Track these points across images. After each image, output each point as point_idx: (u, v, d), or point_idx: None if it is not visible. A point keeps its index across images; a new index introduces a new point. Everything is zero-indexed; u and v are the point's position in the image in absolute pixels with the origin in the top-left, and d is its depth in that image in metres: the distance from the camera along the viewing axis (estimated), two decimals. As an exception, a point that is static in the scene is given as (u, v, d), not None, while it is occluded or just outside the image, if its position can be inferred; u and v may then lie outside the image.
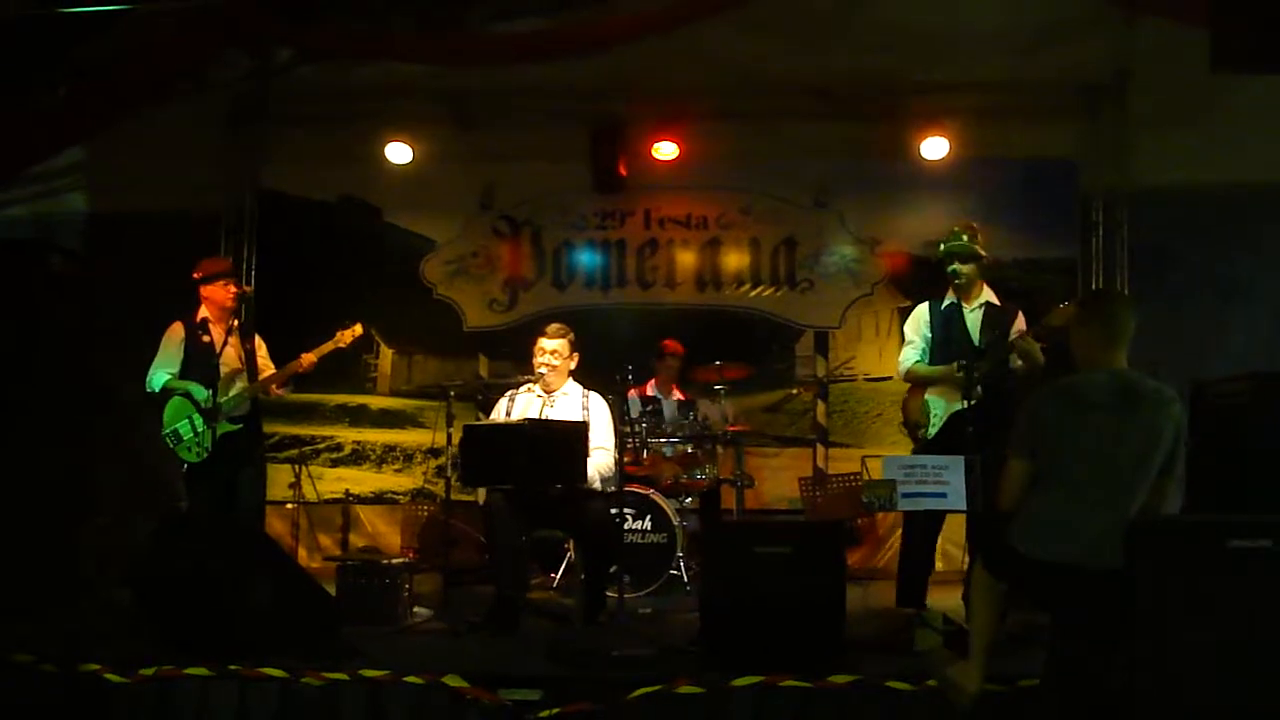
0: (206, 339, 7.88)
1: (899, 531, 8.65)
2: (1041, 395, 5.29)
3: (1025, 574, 5.09)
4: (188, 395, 7.64)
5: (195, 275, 8.04)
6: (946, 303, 7.55)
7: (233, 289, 8.04)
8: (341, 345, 8.03)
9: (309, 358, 7.96)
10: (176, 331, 7.92)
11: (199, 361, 7.81)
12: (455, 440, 7.51)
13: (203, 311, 7.99)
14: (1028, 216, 10.26)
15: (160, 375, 7.78)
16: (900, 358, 7.71)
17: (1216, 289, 9.67)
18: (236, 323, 8.03)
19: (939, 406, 7.34)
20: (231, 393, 7.78)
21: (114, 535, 8.35)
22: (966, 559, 7.25)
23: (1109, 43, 9.25)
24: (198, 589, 6.13)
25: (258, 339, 8.19)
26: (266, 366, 8.13)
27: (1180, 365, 7.65)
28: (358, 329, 8.04)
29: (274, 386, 8.02)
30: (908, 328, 7.75)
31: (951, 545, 7.78)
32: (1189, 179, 9.50)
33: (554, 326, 7.94)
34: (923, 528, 7.21)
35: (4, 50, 8.24)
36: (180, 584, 6.20)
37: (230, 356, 7.88)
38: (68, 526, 8.33)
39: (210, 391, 7.64)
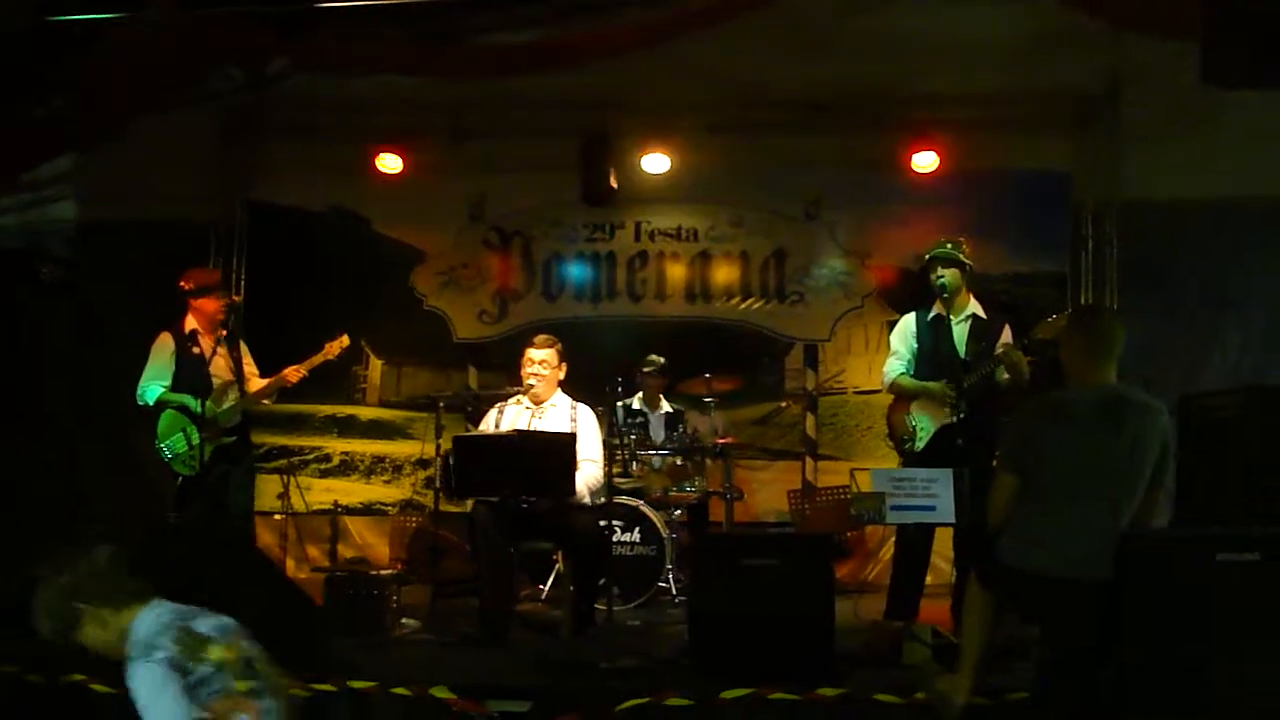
0: (196, 350, 7.80)
1: (889, 545, 8.67)
2: (1029, 410, 5.32)
3: (1015, 587, 5.10)
4: (183, 409, 7.60)
5: (185, 286, 7.96)
6: (932, 314, 7.53)
7: (223, 301, 8.02)
8: (329, 357, 8.01)
9: (299, 371, 7.94)
10: (166, 343, 7.86)
11: (190, 373, 7.75)
12: (444, 451, 7.50)
13: (191, 322, 7.90)
14: (1019, 229, 10.25)
15: (153, 388, 7.73)
16: (885, 368, 7.69)
17: (1207, 302, 9.66)
18: (224, 333, 8.01)
19: (924, 420, 7.32)
20: (225, 405, 7.75)
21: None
22: (955, 573, 7.26)
23: (1100, 56, 9.27)
24: (185, 600, 6.10)
25: (243, 347, 8.18)
26: (252, 375, 8.10)
27: (1170, 379, 7.69)
28: (344, 340, 8.01)
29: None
30: (893, 338, 7.74)
31: (940, 559, 7.76)
32: (1180, 192, 9.51)
33: (541, 337, 7.93)
34: (914, 541, 7.19)
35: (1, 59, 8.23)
36: (168, 594, 6.17)
37: (221, 368, 7.85)
38: (56, 536, 8.30)
39: (206, 403, 7.61)
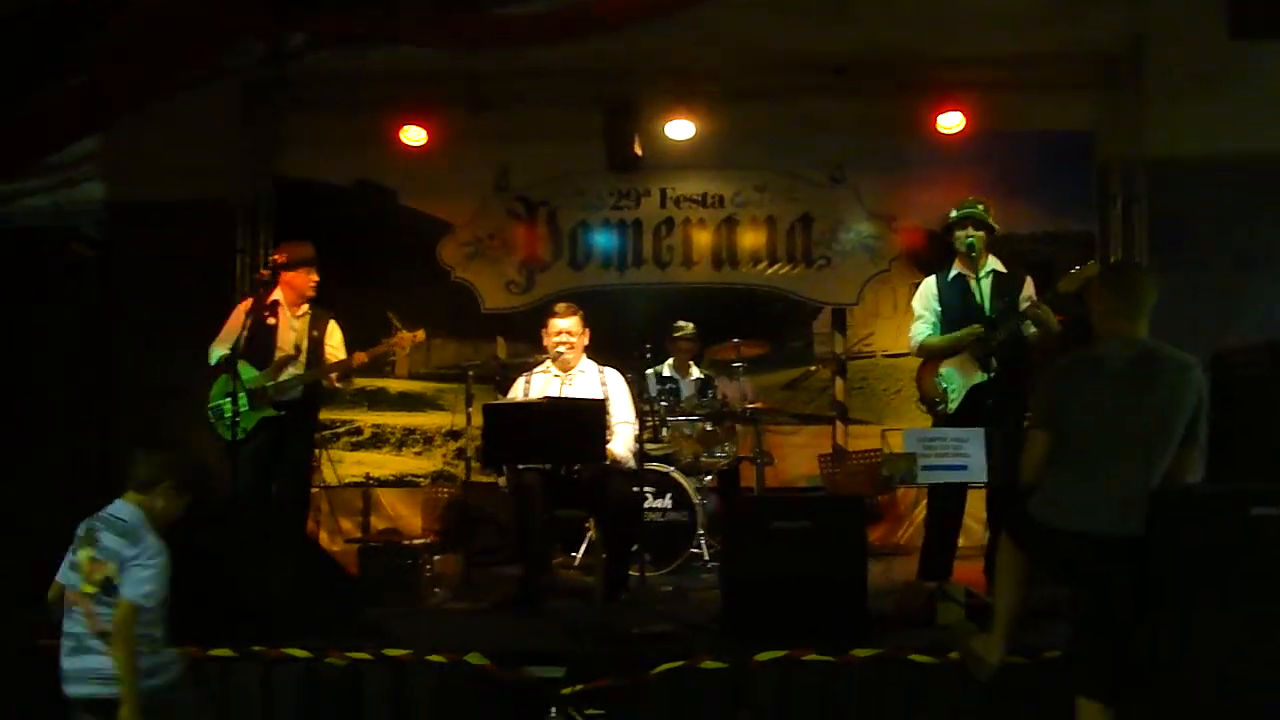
0: (272, 321, 7.88)
1: (920, 508, 8.67)
2: (1061, 366, 5.29)
3: (1048, 545, 5.09)
4: (233, 374, 7.61)
5: (278, 259, 8.09)
6: (954, 273, 7.48)
7: (314, 277, 8.07)
8: (400, 348, 8.08)
9: (362, 357, 7.98)
10: (244, 308, 7.92)
11: (257, 341, 7.76)
12: (475, 422, 7.51)
13: (277, 294, 8.00)
14: (1045, 190, 10.25)
15: (218, 350, 7.78)
16: (911, 332, 7.64)
17: (1235, 259, 9.61)
18: (308, 308, 8.08)
19: (954, 380, 7.27)
20: (281, 378, 7.78)
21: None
22: (987, 534, 7.25)
23: (1125, 12, 9.22)
24: (220, 571, 6.14)
25: (332, 327, 8.17)
26: (335, 356, 8.10)
27: (1199, 336, 7.63)
28: (420, 335, 8.02)
29: (333, 376, 8.02)
30: (916, 302, 7.67)
31: (972, 520, 7.74)
32: (1207, 149, 9.45)
33: (563, 305, 7.95)
34: (946, 501, 7.18)
35: (19, 39, 8.25)
36: (203, 566, 6.21)
37: (288, 341, 7.90)
38: (90, 512, 8.36)
39: (257, 373, 7.69)
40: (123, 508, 4.80)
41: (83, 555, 4.71)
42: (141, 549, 4.68)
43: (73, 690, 4.66)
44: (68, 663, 4.68)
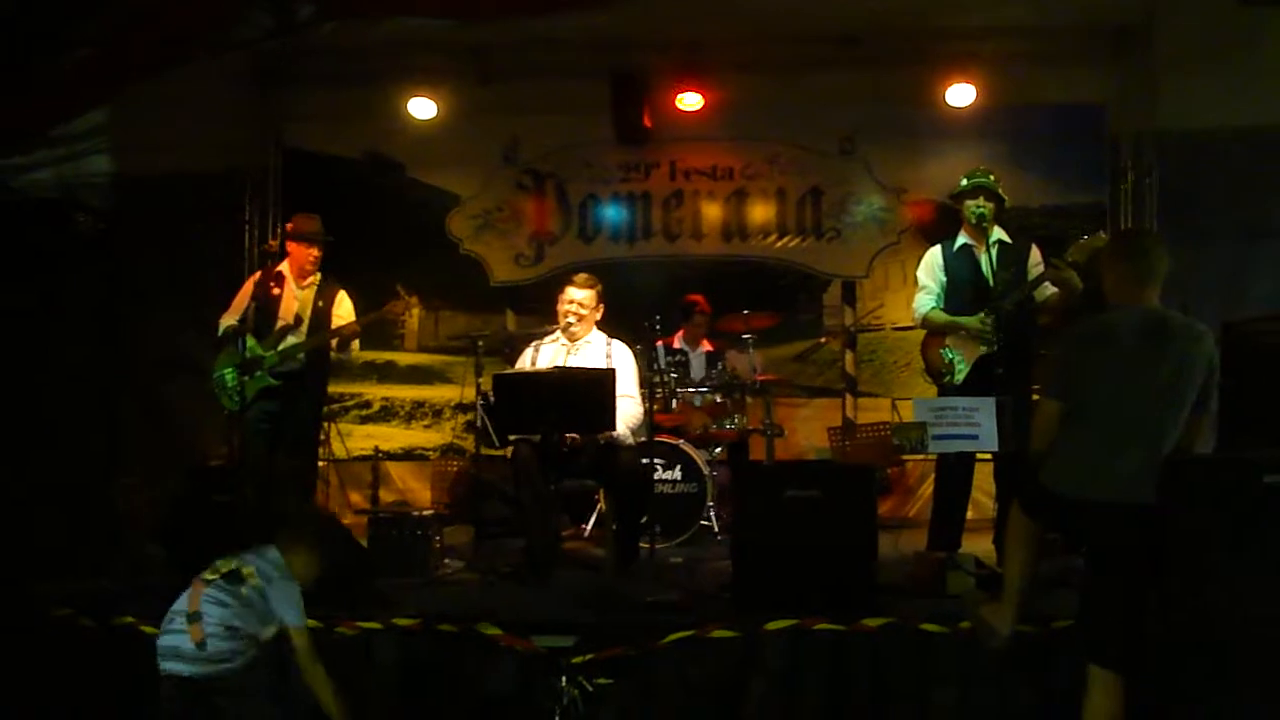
0: (277, 291, 8.03)
1: (928, 481, 8.65)
2: (1072, 334, 5.27)
3: (1059, 513, 5.07)
4: (236, 344, 7.67)
5: (287, 227, 8.32)
6: (959, 244, 7.48)
7: (314, 252, 8.18)
8: (392, 314, 8.34)
9: (353, 325, 8.07)
10: (254, 280, 8.11)
11: (262, 312, 7.92)
12: (483, 391, 7.51)
13: (284, 265, 8.15)
14: (1056, 162, 10.22)
15: (226, 321, 7.94)
16: (915, 303, 7.63)
17: (1245, 231, 9.57)
18: (315, 279, 8.18)
19: (959, 353, 7.26)
20: (280, 346, 7.82)
21: (144, 491, 8.38)
22: (996, 506, 7.24)
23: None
24: (230, 541, 6.14)
25: (341, 297, 8.27)
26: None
27: (1209, 307, 7.61)
28: (412, 301, 8.09)
29: (332, 344, 8.08)
30: (920, 272, 7.65)
31: (980, 493, 7.74)
32: (1217, 120, 9.41)
33: (582, 276, 7.90)
34: (954, 472, 7.18)
35: (28, 11, 8.23)
36: (211, 537, 6.22)
37: (289, 311, 7.97)
38: (98, 484, 8.37)
39: (256, 342, 7.78)
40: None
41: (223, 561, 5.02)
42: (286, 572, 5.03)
43: (160, 665, 4.81)
44: (159, 639, 4.86)
